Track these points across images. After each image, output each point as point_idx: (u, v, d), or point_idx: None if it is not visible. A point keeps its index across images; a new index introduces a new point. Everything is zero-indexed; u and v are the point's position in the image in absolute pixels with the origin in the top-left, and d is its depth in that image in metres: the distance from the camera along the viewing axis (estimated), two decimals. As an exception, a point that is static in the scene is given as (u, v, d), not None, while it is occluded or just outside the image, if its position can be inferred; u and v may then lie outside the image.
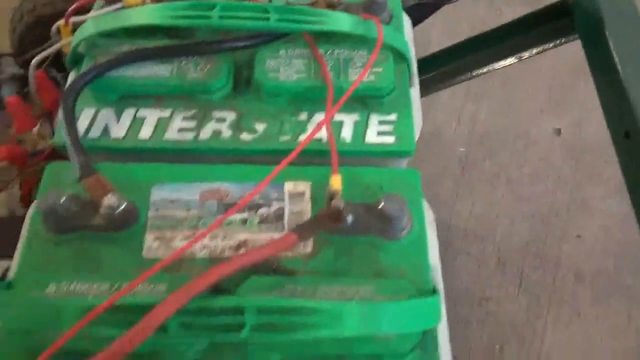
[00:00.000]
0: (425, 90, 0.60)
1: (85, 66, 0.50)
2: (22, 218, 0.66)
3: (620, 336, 0.99)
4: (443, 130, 1.27)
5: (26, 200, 0.63)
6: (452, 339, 0.40)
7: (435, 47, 0.86)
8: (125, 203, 0.42)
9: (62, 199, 0.41)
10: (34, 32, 0.86)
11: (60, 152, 0.48)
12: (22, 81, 0.64)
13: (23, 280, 0.40)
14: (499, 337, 0.97)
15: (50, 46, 0.61)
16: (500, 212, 1.15)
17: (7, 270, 0.68)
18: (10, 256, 0.69)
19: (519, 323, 1.00)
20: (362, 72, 0.50)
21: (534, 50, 0.86)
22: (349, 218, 0.41)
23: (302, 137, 0.49)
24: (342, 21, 0.51)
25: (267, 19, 0.49)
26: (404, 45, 0.54)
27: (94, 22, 0.51)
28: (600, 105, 0.59)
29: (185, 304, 0.34)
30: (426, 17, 0.75)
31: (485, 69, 0.92)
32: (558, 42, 0.81)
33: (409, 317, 0.37)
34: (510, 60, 0.90)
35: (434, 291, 0.40)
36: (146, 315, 0.33)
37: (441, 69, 0.86)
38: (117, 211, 0.42)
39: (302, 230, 0.41)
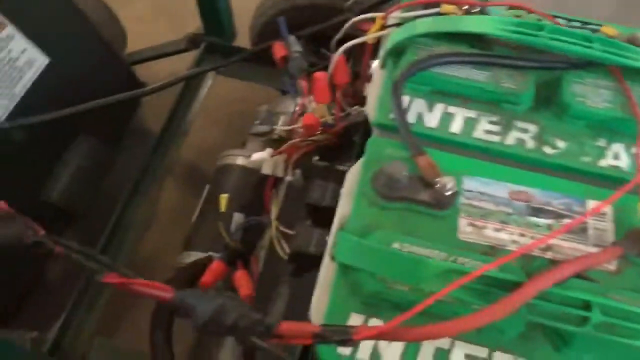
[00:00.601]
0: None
1: (408, 59, 0.56)
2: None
3: None
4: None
5: (288, 164, 0.71)
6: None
7: None
8: (454, 186, 0.47)
9: (403, 172, 0.47)
10: (294, 15, 0.95)
11: (377, 129, 0.55)
12: (306, 58, 0.73)
13: (360, 233, 0.46)
14: None
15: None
16: None
17: (248, 223, 0.78)
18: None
19: None
20: None
21: None
22: (672, 246, 0.44)
23: (602, 162, 0.52)
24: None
25: (590, 47, 0.53)
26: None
27: (428, 22, 0.57)
28: None
29: (543, 289, 0.39)
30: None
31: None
32: None
33: None
34: None
35: None
36: (516, 292, 0.38)
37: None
38: (447, 192, 0.47)
39: (624, 247, 0.44)
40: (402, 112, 0.52)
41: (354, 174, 0.52)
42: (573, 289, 0.41)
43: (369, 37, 0.64)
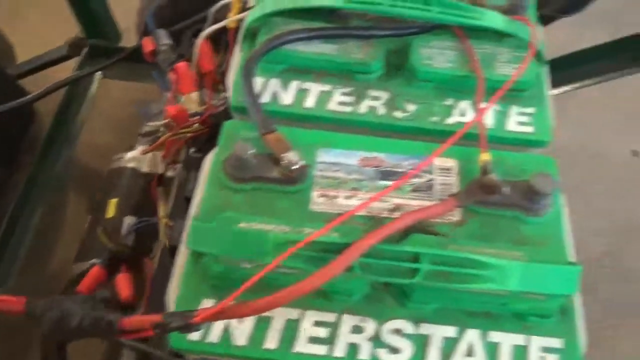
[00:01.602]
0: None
1: (261, 39, 0.56)
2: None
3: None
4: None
5: (167, 158, 0.70)
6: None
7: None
8: (300, 160, 0.48)
9: (248, 152, 0.47)
10: (173, 9, 0.93)
11: (235, 113, 0.55)
12: (174, 51, 0.71)
13: (210, 218, 0.46)
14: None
15: (204, 21, 0.69)
16: (576, 224, 1.18)
17: (138, 225, 0.76)
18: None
19: (594, 331, 1.03)
20: (518, 69, 0.54)
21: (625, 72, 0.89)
22: (503, 191, 0.46)
23: (449, 120, 0.54)
24: (496, 19, 0.56)
25: (428, 10, 0.55)
26: (542, 46, 0.58)
27: (274, 1, 0.57)
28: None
29: (370, 247, 0.39)
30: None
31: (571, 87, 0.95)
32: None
33: (556, 280, 0.42)
34: (610, 77, 0.93)
35: (574, 263, 0.44)
36: (342, 254, 0.38)
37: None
38: (294, 167, 0.48)
39: (456, 199, 0.46)
40: (250, 90, 0.52)
41: (209, 159, 0.51)
42: (410, 244, 0.42)
43: (228, 21, 0.63)
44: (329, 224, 0.41)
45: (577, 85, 1.00)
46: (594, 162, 1.30)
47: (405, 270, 0.40)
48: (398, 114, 0.54)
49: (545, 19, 0.79)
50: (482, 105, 0.53)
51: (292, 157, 0.47)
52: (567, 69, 0.98)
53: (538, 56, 0.58)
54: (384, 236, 0.40)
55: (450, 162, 0.51)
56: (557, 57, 0.92)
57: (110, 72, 0.96)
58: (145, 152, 0.67)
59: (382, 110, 0.54)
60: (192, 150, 0.67)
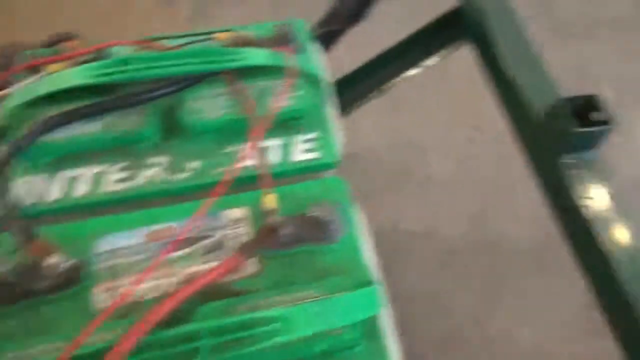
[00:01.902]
0: (343, 110, 0.65)
1: (12, 137, 0.51)
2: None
3: (567, 302, 1.07)
4: (366, 148, 1.32)
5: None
6: (411, 332, 0.43)
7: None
8: (68, 260, 0.43)
9: (7, 268, 0.42)
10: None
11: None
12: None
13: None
14: (456, 322, 1.03)
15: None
16: (437, 211, 1.22)
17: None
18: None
19: (472, 307, 1.07)
20: (277, 99, 0.54)
21: (435, 59, 0.93)
22: (284, 231, 0.44)
23: (235, 167, 0.51)
24: (255, 55, 0.55)
25: (186, 64, 0.53)
26: (315, 70, 0.58)
27: (19, 93, 0.52)
28: (495, 98, 0.66)
29: (140, 340, 0.35)
30: (334, 41, 0.80)
31: (393, 82, 0.98)
32: (454, 48, 0.88)
33: (352, 308, 0.40)
34: (416, 71, 0.97)
35: (371, 282, 0.43)
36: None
37: (354, 88, 0.93)
38: (61, 270, 0.43)
39: (241, 252, 0.43)
40: (4, 200, 0.47)
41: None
42: (187, 321, 0.39)
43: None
44: (85, 332, 0.36)
45: (405, 75, 1.02)
46: (442, 148, 1.36)
47: (187, 353, 0.37)
48: (181, 176, 0.51)
49: (333, 35, 0.82)
50: (258, 144, 0.52)
51: (57, 260, 0.43)
52: (392, 62, 0.99)
53: (313, 80, 0.58)
54: (145, 330, 0.36)
55: (240, 212, 0.48)
56: (381, 53, 0.93)
57: None
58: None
59: (162, 177, 0.51)
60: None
